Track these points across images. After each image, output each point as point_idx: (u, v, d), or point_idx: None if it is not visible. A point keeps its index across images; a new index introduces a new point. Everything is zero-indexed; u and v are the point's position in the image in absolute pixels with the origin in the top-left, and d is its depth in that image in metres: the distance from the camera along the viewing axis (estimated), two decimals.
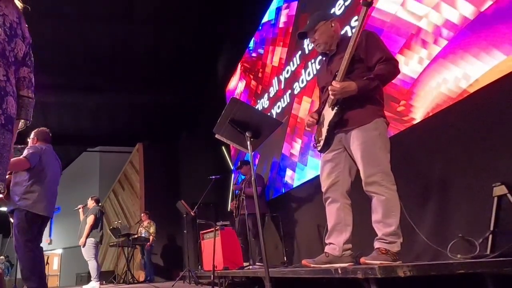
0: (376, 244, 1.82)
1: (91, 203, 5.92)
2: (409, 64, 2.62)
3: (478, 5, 2.15)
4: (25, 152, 3.00)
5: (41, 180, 3.00)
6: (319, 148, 2.19)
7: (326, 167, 2.10)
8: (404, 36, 2.68)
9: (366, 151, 1.90)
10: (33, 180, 2.95)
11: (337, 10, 3.56)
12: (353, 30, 1.90)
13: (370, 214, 1.91)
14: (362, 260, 1.77)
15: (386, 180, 1.84)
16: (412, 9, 2.62)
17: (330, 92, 1.94)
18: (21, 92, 1.46)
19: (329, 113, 2.06)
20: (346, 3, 3.44)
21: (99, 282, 5.39)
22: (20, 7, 1.51)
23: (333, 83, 1.93)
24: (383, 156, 1.89)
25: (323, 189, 2.11)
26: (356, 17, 3.22)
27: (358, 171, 2.00)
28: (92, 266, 5.45)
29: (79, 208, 6.13)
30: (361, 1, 1.78)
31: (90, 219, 5.54)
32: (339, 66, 1.97)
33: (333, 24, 2.14)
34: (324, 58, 2.31)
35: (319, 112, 2.21)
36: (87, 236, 5.47)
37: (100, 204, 6.07)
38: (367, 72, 1.97)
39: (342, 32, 3.36)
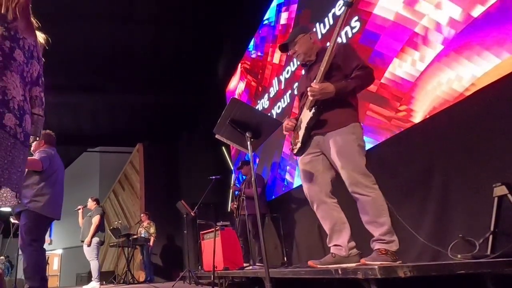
0: (375, 245, 1.83)
1: (91, 203, 5.93)
2: (408, 67, 2.62)
3: (469, 10, 2.19)
4: (37, 155, 3.06)
5: (51, 183, 3.06)
6: (295, 151, 2.24)
7: (306, 170, 2.14)
8: (401, 41, 2.71)
9: (345, 155, 1.94)
10: (44, 183, 3.00)
11: (337, 10, 3.56)
12: (336, 29, 1.96)
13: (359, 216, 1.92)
14: (362, 261, 1.78)
15: (368, 181, 1.88)
16: (409, 14, 2.65)
17: (309, 93, 1.99)
18: (33, 110, 1.56)
19: (306, 116, 2.11)
20: None
21: (99, 283, 5.40)
22: (42, 41, 1.62)
23: (312, 84, 1.99)
24: (360, 159, 1.93)
25: (306, 192, 2.14)
26: (356, 17, 3.23)
27: (338, 173, 2.02)
28: (94, 266, 5.47)
29: (79, 208, 6.14)
30: (342, 1, 1.83)
31: (96, 219, 5.57)
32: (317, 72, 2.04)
33: (311, 37, 2.29)
34: (304, 69, 2.39)
35: (297, 118, 2.27)
36: (93, 236, 5.48)
37: (100, 204, 6.09)
38: (344, 79, 2.04)
39: (342, 33, 3.38)
